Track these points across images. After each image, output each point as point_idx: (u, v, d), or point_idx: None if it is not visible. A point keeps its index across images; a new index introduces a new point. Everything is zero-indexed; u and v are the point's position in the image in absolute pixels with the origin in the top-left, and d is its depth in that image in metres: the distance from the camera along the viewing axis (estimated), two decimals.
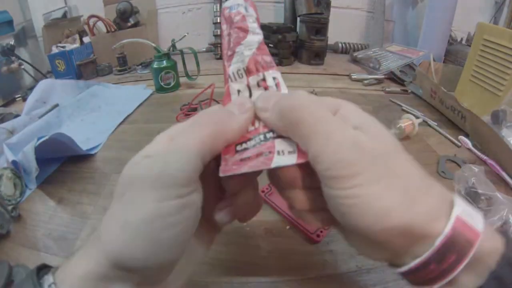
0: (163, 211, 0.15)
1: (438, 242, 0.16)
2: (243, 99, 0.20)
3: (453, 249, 0.16)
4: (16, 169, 0.41)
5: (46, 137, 0.40)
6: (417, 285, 0.18)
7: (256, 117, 0.19)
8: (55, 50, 0.84)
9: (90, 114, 0.63)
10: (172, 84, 0.72)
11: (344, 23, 1.07)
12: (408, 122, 0.50)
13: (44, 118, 0.57)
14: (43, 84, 0.66)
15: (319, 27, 0.89)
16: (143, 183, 0.16)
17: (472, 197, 0.36)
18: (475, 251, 0.16)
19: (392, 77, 0.80)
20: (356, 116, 0.18)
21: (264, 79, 0.20)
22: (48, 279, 0.16)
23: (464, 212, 0.16)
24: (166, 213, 0.15)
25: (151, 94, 0.69)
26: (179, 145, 0.17)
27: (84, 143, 0.50)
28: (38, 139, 0.40)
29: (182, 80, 0.75)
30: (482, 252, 0.16)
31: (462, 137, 0.51)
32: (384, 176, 0.16)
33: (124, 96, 0.69)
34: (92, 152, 0.48)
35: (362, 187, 0.16)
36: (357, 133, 0.17)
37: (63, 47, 0.84)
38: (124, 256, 0.16)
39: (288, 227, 0.34)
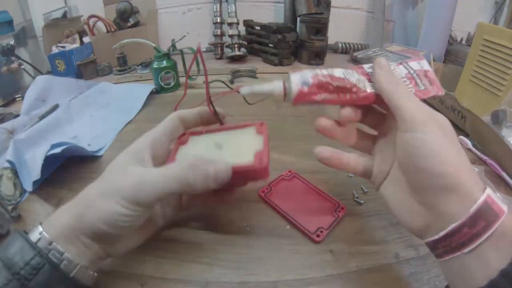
0: (126, 214, 0.24)
1: (472, 209, 0.20)
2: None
3: (483, 217, 0.20)
4: (13, 168, 0.41)
5: (59, 150, 0.40)
6: (443, 255, 0.22)
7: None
8: (55, 50, 0.84)
9: (99, 110, 0.63)
10: (172, 84, 0.72)
11: (344, 23, 1.07)
12: None
13: (52, 114, 0.58)
14: (41, 81, 0.65)
15: (319, 27, 0.89)
16: (121, 195, 0.24)
17: None
18: (500, 224, 0.20)
19: None
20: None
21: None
22: (38, 229, 0.23)
23: (493, 193, 0.21)
24: (127, 216, 0.24)
25: (152, 94, 0.69)
26: (155, 181, 0.25)
27: (94, 140, 0.51)
28: (52, 146, 0.40)
29: (182, 80, 0.75)
30: (506, 228, 0.20)
31: (462, 137, 0.51)
32: (448, 138, 0.22)
33: (132, 93, 0.69)
34: (99, 154, 0.48)
35: (433, 135, 0.22)
36: (433, 110, 0.24)
37: (63, 47, 0.84)
38: (95, 226, 0.24)
39: (288, 227, 0.34)
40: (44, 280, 0.21)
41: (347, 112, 0.28)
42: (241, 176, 0.28)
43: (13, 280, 0.21)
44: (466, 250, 0.20)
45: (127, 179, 0.25)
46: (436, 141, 0.22)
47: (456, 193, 0.21)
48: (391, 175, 0.27)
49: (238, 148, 0.31)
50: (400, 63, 0.29)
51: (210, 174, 0.25)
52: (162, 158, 0.30)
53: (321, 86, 0.27)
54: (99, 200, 0.24)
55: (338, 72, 0.27)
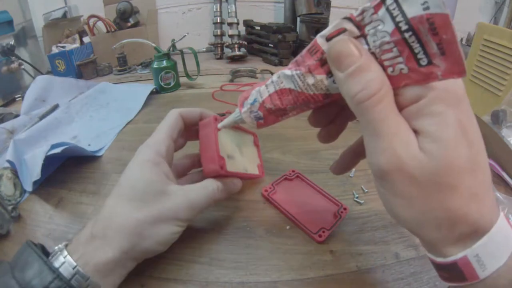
0: (179, 231, 0.28)
1: (439, 260, 0.18)
2: None
3: (453, 273, 0.17)
4: (13, 168, 0.41)
5: (59, 150, 0.40)
6: (448, 281, 0.19)
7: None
8: (55, 50, 0.84)
9: (99, 110, 0.63)
10: (172, 84, 0.72)
11: None
12: None
13: (52, 114, 0.58)
14: (41, 81, 0.65)
15: (319, 27, 0.89)
16: (169, 217, 0.27)
17: None
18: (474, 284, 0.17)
19: None
20: (436, 119, 0.16)
21: None
22: (68, 261, 0.22)
23: (478, 256, 0.17)
24: (178, 232, 0.28)
25: (152, 94, 0.69)
26: (195, 193, 0.29)
27: (94, 140, 0.51)
28: (52, 146, 0.40)
29: (182, 80, 0.75)
30: None
31: None
32: (411, 198, 0.17)
33: (132, 93, 0.69)
34: (99, 154, 0.48)
35: (388, 193, 0.18)
36: (407, 148, 0.16)
37: (63, 47, 0.84)
38: (146, 250, 0.26)
39: (288, 227, 0.34)
40: None
41: (323, 137, 0.25)
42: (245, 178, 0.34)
43: None
44: (467, 283, 0.18)
45: (178, 202, 0.27)
46: (388, 199, 0.18)
47: (432, 250, 0.19)
48: None
49: (249, 155, 0.38)
50: (382, 2, 0.15)
51: (234, 190, 0.33)
52: (171, 156, 0.31)
53: (276, 112, 0.22)
54: (154, 228, 0.26)
55: (286, 81, 0.20)
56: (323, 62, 0.18)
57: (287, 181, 0.40)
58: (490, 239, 0.16)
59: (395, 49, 0.15)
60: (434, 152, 0.16)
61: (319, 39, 0.18)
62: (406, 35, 0.15)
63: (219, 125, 0.30)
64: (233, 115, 0.26)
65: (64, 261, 0.22)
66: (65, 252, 0.23)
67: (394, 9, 0.15)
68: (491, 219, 0.17)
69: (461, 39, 0.96)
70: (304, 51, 0.19)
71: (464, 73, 0.15)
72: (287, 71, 0.20)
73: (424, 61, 0.15)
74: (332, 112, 0.23)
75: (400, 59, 0.15)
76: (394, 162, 0.16)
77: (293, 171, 0.41)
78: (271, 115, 0.23)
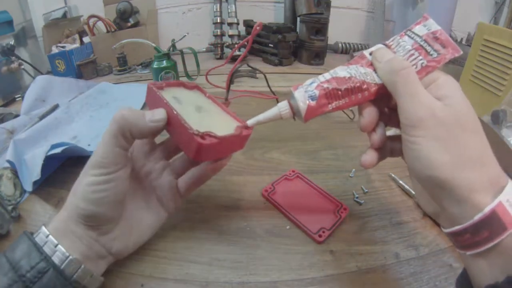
0: (95, 181, 0.25)
1: (477, 217, 0.19)
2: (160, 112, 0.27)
3: (487, 226, 0.19)
4: (13, 168, 0.41)
5: (59, 150, 0.39)
6: (458, 248, 0.22)
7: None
8: (55, 50, 0.84)
9: (99, 110, 0.63)
10: None
11: (344, 23, 1.07)
12: None
13: (52, 114, 0.57)
14: (41, 81, 0.65)
15: (319, 27, 0.89)
16: (89, 166, 0.26)
17: None
18: (507, 237, 0.18)
19: None
20: (447, 88, 0.22)
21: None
22: (43, 231, 0.24)
23: (508, 200, 0.19)
24: (96, 183, 0.25)
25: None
26: (102, 140, 0.26)
27: (94, 140, 0.51)
28: (52, 146, 0.40)
29: (182, 80, 0.75)
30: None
31: None
32: (446, 142, 0.21)
33: (132, 93, 0.69)
34: None
35: (424, 139, 0.21)
36: (435, 102, 0.22)
37: (63, 47, 0.84)
38: (78, 207, 0.25)
39: (288, 227, 0.34)
40: (48, 283, 0.22)
41: (369, 158, 0.26)
42: (225, 145, 0.28)
43: (19, 282, 0.21)
44: (468, 253, 0.20)
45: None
46: (428, 147, 0.21)
47: (456, 198, 0.20)
48: None
49: (218, 116, 0.32)
50: (404, 33, 0.26)
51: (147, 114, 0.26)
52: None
53: (330, 95, 0.25)
54: (79, 183, 0.26)
55: (342, 72, 0.25)
56: (370, 63, 0.26)
57: (287, 181, 0.40)
58: None
59: (416, 52, 0.25)
60: (454, 105, 0.21)
61: (365, 52, 0.27)
62: (422, 43, 0.25)
63: (249, 122, 0.28)
64: (272, 110, 0.27)
65: (47, 240, 0.24)
66: (46, 231, 0.24)
67: (411, 34, 0.26)
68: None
69: (461, 39, 0.96)
70: (354, 58, 0.27)
71: (460, 51, 0.24)
72: (342, 66, 0.26)
73: (433, 54, 0.24)
74: (378, 116, 0.26)
75: (420, 57, 0.24)
76: (429, 111, 0.21)
77: (293, 171, 0.41)
78: (324, 97, 0.25)
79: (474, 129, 0.21)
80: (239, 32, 0.94)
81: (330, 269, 0.30)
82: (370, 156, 0.26)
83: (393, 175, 0.42)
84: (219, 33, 0.96)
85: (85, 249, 0.25)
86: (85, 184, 0.25)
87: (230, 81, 0.77)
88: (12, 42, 0.73)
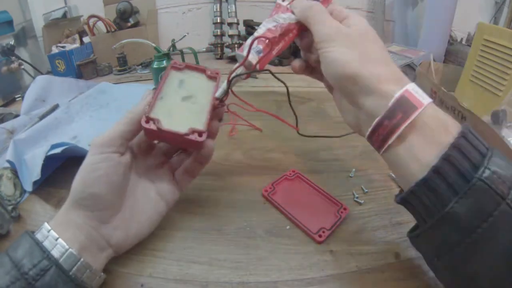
0: (92, 160, 0.27)
1: (390, 103, 0.23)
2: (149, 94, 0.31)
3: (400, 108, 0.23)
4: (13, 168, 0.41)
5: (59, 151, 0.39)
6: (379, 149, 0.25)
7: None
8: (55, 50, 0.84)
9: (99, 110, 0.63)
10: None
11: None
12: None
13: (52, 114, 0.57)
14: (41, 81, 0.65)
15: None
16: (91, 147, 0.28)
17: None
18: (419, 115, 0.22)
19: None
20: (352, 19, 0.29)
21: None
22: (45, 226, 0.25)
23: (414, 89, 0.24)
24: (93, 162, 0.27)
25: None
26: (111, 128, 0.29)
27: None
28: (52, 146, 0.40)
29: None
30: (427, 118, 0.22)
31: None
32: (351, 46, 0.26)
33: (132, 93, 0.69)
34: None
35: (334, 47, 0.27)
36: (340, 25, 0.28)
37: (63, 47, 0.84)
38: (76, 190, 0.27)
39: (288, 227, 0.34)
40: (51, 281, 0.22)
41: (297, 64, 0.36)
42: (176, 140, 0.31)
43: (21, 279, 0.22)
44: (390, 140, 0.23)
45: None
46: (338, 51, 0.26)
47: (374, 93, 0.24)
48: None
49: (191, 115, 0.31)
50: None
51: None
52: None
53: (270, 44, 0.32)
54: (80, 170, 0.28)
55: (271, 23, 0.33)
56: (286, 9, 0.34)
57: (287, 181, 0.40)
58: (415, 85, 0.24)
59: None
60: (356, 25, 0.28)
61: (279, 1, 0.35)
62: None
63: (217, 93, 0.32)
64: (237, 69, 0.32)
65: (48, 235, 0.25)
66: (48, 226, 0.25)
67: None
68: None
69: (461, 39, 0.96)
70: (273, 9, 0.35)
71: None
72: (267, 19, 0.34)
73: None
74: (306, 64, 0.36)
75: None
76: (336, 29, 0.28)
77: (293, 171, 0.41)
78: (267, 47, 0.32)
79: (374, 40, 0.27)
80: (239, 32, 0.94)
81: (330, 269, 0.30)
82: (297, 63, 0.36)
83: (393, 175, 0.42)
84: (219, 33, 0.96)
85: (84, 240, 0.26)
86: (84, 165, 0.27)
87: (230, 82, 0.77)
88: (12, 42, 0.73)
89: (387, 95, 0.23)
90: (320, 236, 0.32)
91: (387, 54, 0.27)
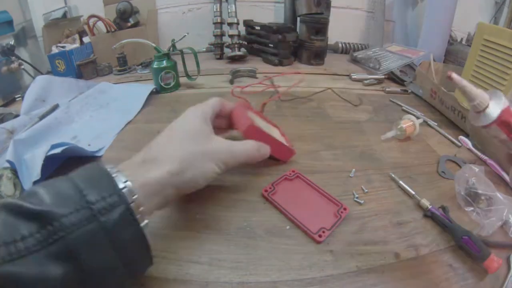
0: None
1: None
2: None
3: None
4: (13, 168, 0.41)
5: (59, 151, 0.39)
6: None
7: None
8: (55, 50, 0.84)
9: (99, 110, 0.63)
10: (172, 84, 0.72)
11: (344, 23, 1.07)
12: (409, 122, 0.50)
13: (52, 114, 0.57)
14: (41, 81, 0.65)
15: (319, 27, 0.89)
16: None
17: (472, 197, 0.36)
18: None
19: (392, 77, 0.80)
20: None
21: None
22: (120, 177, 0.24)
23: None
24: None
25: (152, 94, 0.69)
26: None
27: (94, 140, 0.51)
28: (52, 147, 0.40)
29: (182, 80, 0.75)
30: None
31: (462, 137, 0.51)
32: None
33: (132, 93, 0.69)
34: (99, 154, 0.47)
35: None
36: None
37: (63, 47, 0.84)
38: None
39: (288, 227, 0.34)
40: (116, 219, 0.21)
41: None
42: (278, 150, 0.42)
43: (86, 208, 0.21)
44: None
45: (222, 147, 0.32)
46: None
47: None
48: None
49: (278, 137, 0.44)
50: None
51: (266, 155, 0.38)
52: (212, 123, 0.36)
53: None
54: (201, 161, 0.30)
55: None
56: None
57: (287, 181, 0.40)
58: None
59: None
60: None
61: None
62: None
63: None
64: None
65: (124, 186, 0.23)
66: (115, 169, 0.24)
67: None
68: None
69: (461, 39, 0.96)
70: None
71: None
72: None
73: None
74: None
75: None
76: None
77: (293, 171, 0.41)
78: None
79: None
80: (239, 32, 0.94)
81: (330, 269, 0.30)
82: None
83: (393, 175, 0.42)
84: (219, 33, 0.96)
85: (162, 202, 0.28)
86: (213, 171, 0.31)
87: (231, 82, 0.77)
88: (12, 42, 0.73)
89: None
90: (320, 236, 0.32)
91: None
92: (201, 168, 0.30)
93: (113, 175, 0.23)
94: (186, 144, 0.30)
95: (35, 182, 0.39)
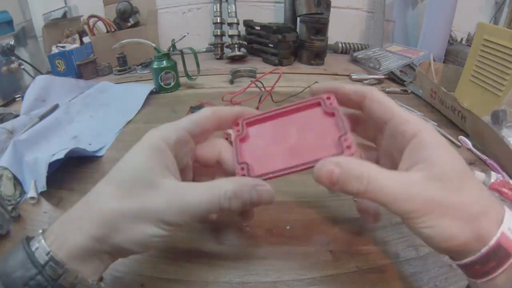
0: None
1: (483, 250, 0.20)
2: None
3: (494, 257, 0.20)
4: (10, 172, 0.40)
5: (62, 155, 0.39)
6: (468, 277, 0.22)
7: None
8: (55, 50, 0.84)
9: (99, 110, 0.63)
10: (172, 84, 0.72)
11: (344, 23, 1.07)
12: None
13: (52, 114, 0.57)
14: (41, 81, 0.65)
15: (319, 27, 0.89)
16: None
17: None
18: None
19: (392, 77, 0.80)
20: (434, 151, 0.21)
21: None
22: (43, 247, 0.20)
23: (510, 228, 0.20)
24: None
25: (151, 94, 0.69)
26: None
27: (94, 139, 0.51)
28: (54, 155, 0.40)
29: (182, 80, 0.75)
30: None
31: (462, 137, 0.51)
32: (449, 212, 0.20)
33: (132, 93, 0.69)
34: (100, 154, 0.47)
35: (433, 221, 0.20)
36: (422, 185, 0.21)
37: (63, 47, 0.84)
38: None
39: (288, 227, 0.34)
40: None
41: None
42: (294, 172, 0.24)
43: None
44: (479, 281, 0.21)
45: (163, 199, 0.22)
46: (439, 226, 0.21)
47: (465, 248, 0.21)
48: None
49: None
50: None
51: (254, 200, 0.23)
52: (183, 151, 0.26)
53: None
54: (132, 224, 0.21)
55: None
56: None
57: (248, 140, 0.27)
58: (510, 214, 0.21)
59: None
60: (448, 166, 0.22)
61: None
62: None
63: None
64: None
65: (38, 246, 0.20)
66: (40, 236, 0.21)
67: None
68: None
69: (461, 39, 0.96)
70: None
71: None
72: None
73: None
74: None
75: None
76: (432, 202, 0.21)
77: (236, 124, 0.28)
78: None
79: (469, 176, 0.22)
80: (239, 32, 0.94)
81: (330, 269, 0.30)
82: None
83: None
84: (219, 33, 0.96)
85: (103, 269, 0.23)
86: (148, 235, 0.21)
87: (231, 82, 0.77)
88: (12, 42, 0.73)
89: (480, 237, 0.20)
90: (348, 147, 0.22)
91: (478, 192, 0.21)
92: (130, 233, 0.21)
93: (34, 252, 0.20)
94: (116, 197, 0.22)
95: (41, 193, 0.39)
